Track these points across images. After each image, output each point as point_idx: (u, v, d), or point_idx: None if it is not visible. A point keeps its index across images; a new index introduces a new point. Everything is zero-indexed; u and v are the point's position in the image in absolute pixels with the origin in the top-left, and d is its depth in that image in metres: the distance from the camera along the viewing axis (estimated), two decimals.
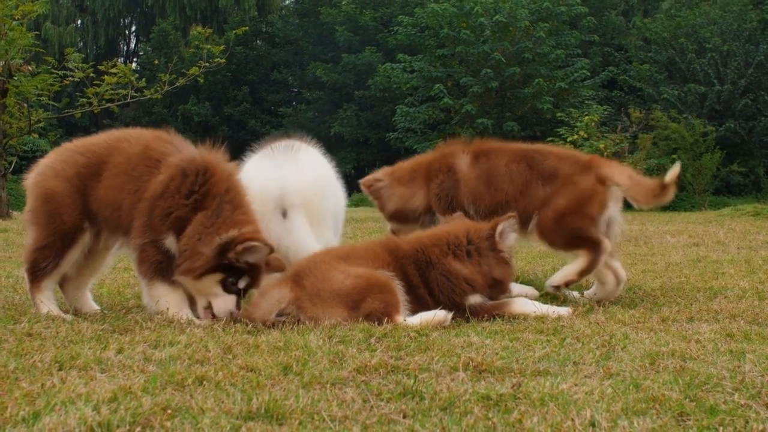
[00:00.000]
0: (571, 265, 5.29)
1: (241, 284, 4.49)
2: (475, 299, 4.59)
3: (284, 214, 4.93)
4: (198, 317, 4.53)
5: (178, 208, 4.47)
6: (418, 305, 4.43)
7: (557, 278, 5.26)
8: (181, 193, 4.49)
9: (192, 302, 4.63)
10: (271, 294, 4.36)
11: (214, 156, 4.70)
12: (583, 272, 5.21)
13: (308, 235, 4.94)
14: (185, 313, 4.50)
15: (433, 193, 5.62)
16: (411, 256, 4.60)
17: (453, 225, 4.88)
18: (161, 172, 4.54)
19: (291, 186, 4.97)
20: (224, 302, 4.47)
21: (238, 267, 4.42)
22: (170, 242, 4.49)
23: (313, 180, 5.12)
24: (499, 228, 4.71)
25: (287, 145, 5.29)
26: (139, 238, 4.51)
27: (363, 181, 6.03)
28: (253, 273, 4.50)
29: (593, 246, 5.19)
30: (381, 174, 5.99)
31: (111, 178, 4.63)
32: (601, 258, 5.19)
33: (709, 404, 2.73)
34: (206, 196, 4.50)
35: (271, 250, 4.43)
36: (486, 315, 4.53)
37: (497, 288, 4.70)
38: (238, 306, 4.48)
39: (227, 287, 4.47)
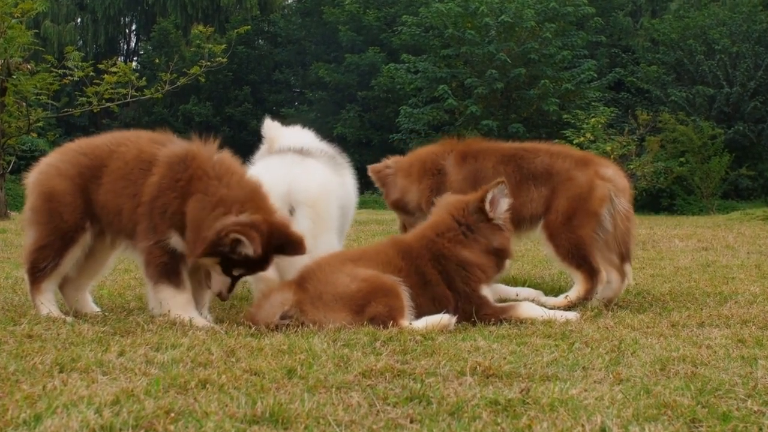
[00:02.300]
0: (567, 293, 5.31)
1: (235, 273, 4.50)
2: (486, 291, 4.57)
3: (291, 212, 4.95)
4: (204, 318, 4.58)
5: (172, 203, 4.48)
6: (435, 305, 4.43)
7: (549, 302, 5.24)
8: (171, 187, 4.50)
9: (198, 303, 4.68)
10: (275, 296, 4.37)
11: (201, 145, 4.70)
12: (576, 300, 5.21)
13: (311, 235, 4.95)
14: (190, 315, 4.49)
15: (424, 194, 5.66)
16: (426, 254, 4.58)
17: (437, 212, 4.84)
18: (153, 172, 4.56)
19: (299, 185, 5.00)
20: (221, 282, 4.57)
21: (234, 258, 4.39)
22: (175, 241, 4.49)
23: (322, 181, 5.13)
24: (489, 196, 4.63)
25: (299, 149, 5.33)
26: (144, 240, 4.53)
27: (373, 168, 6.09)
28: (252, 262, 4.45)
29: (591, 274, 5.22)
30: (391, 161, 6.05)
31: (111, 183, 4.66)
32: (596, 288, 5.23)
33: (722, 411, 2.73)
34: (191, 181, 4.48)
35: (257, 252, 4.31)
36: (493, 319, 4.52)
37: (500, 256, 4.66)
38: (230, 289, 4.59)
39: (224, 270, 4.50)
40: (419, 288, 4.44)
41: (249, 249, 4.32)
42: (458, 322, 4.40)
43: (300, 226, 4.93)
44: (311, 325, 4.20)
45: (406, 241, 4.73)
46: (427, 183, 5.72)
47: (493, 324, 4.49)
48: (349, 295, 4.27)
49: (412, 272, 4.48)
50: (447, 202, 4.86)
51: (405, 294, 4.33)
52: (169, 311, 4.49)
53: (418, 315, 4.35)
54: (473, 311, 4.49)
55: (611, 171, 5.48)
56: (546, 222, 5.38)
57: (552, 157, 5.53)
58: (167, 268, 4.50)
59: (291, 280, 4.50)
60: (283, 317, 4.25)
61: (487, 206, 4.63)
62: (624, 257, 5.43)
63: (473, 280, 4.54)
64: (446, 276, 4.53)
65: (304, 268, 4.51)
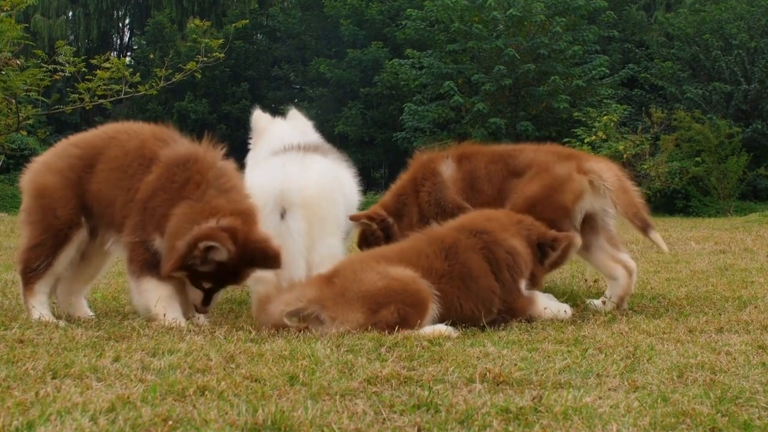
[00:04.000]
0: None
1: (206, 286, 4.52)
2: (522, 286, 4.76)
3: (282, 215, 4.92)
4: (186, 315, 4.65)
5: (162, 205, 4.52)
6: (480, 307, 4.56)
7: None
8: (165, 188, 4.55)
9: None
10: (295, 290, 4.39)
11: (202, 147, 4.76)
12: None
13: (303, 239, 4.92)
14: (172, 312, 4.55)
15: (423, 201, 5.66)
16: (477, 243, 4.68)
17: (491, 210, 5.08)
18: (152, 171, 4.61)
19: (292, 185, 4.95)
20: (193, 295, 4.59)
21: (202, 271, 4.44)
22: (159, 243, 4.53)
23: (318, 181, 5.08)
24: (564, 244, 4.94)
25: (300, 147, 5.29)
26: (130, 236, 4.58)
27: (371, 219, 5.67)
28: (222, 274, 4.48)
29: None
30: (379, 211, 5.77)
31: (106, 172, 4.69)
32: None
33: (743, 419, 2.73)
34: (187, 184, 4.53)
35: (231, 252, 4.36)
36: (522, 312, 4.70)
37: (533, 281, 4.93)
38: (205, 303, 4.56)
39: (193, 282, 4.53)
40: (463, 291, 4.55)
41: (223, 254, 4.35)
42: (502, 318, 4.60)
43: (292, 229, 4.90)
44: (329, 321, 4.24)
45: (450, 236, 4.77)
46: (424, 190, 5.70)
47: (503, 329, 4.52)
48: (372, 293, 4.30)
49: (456, 275, 4.56)
50: (506, 210, 5.14)
51: (431, 311, 4.39)
52: (152, 304, 4.55)
53: (461, 320, 4.52)
54: (510, 302, 4.69)
55: (593, 163, 5.48)
56: (510, 205, 5.38)
57: (536, 153, 5.62)
58: (150, 263, 4.56)
59: (321, 275, 4.53)
60: (295, 314, 4.26)
61: (557, 252, 4.93)
62: (644, 228, 5.33)
63: (516, 272, 4.72)
64: (495, 264, 4.67)
65: (339, 264, 4.58)
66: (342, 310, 4.25)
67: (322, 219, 5.04)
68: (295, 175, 5.01)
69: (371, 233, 5.65)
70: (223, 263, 4.40)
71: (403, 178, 5.91)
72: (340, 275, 4.40)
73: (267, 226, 4.82)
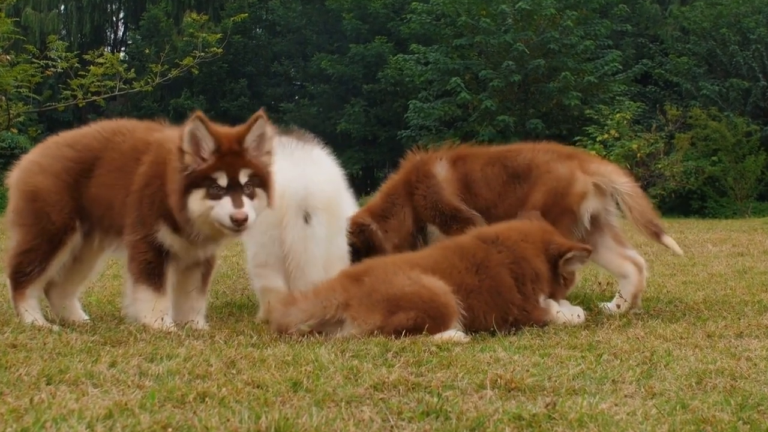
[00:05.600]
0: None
1: (222, 182, 4.38)
2: (542, 298, 4.88)
3: (306, 219, 4.85)
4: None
5: (159, 191, 4.52)
6: (502, 319, 4.62)
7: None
8: (156, 173, 4.55)
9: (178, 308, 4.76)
10: (319, 296, 4.38)
11: None
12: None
13: (326, 244, 4.88)
14: (166, 322, 4.54)
15: (418, 204, 5.67)
16: (508, 257, 4.79)
17: (530, 223, 5.11)
18: (143, 161, 4.63)
19: (315, 186, 4.88)
20: (221, 208, 4.37)
21: (204, 172, 4.36)
22: (163, 234, 4.52)
23: (333, 180, 5.05)
24: (569, 255, 4.98)
25: (299, 141, 5.24)
26: (132, 234, 4.59)
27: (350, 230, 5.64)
28: (228, 163, 4.40)
29: None
30: (363, 216, 5.76)
31: (104, 175, 4.69)
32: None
33: (765, 427, 2.73)
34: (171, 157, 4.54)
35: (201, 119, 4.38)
36: (539, 321, 4.76)
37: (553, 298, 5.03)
38: (236, 203, 4.35)
39: (213, 195, 4.39)
40: (490, 305, 4.64)
41: (198, 126, 4.34)
42: (520, 324, 4.67)
43: (318, 234, 4.84)
44: (351, 321, 4.26)
45: (481, 249, 4.83)
46: (419, 194, 5.71)
47: (513, 333, 4.54)
48: (398, 297, 4.32)
49: (485, 289, 4.65)
50: (543, 224, 5.15)
51: (452, 326, 4.41)
52: (141, 315, 4.55)
53: (482, 329, 4.58)
54: (529, 311, 4.79)
55: (599, 165, 5.55)
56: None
57: (534, 152, 5.65)
58: (150, 267, 4.56)
59: (348, 273, 4.54)
60: (322, 323, 4.31)
61: (562, 262, 4.99)
62: (658, 234, 5.43)
63: (539, 288, 4.84)
64: (521, 279, 4.77)
65: (370, 262, 4.61)
66: (364, 311, 4.27)
67: (337, 219, 5.03)
68: (314, 177, 4.94)
69: (351, 245, 5.60)
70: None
71: (394, 179, 5.94)
72: (371, 275, 4.43)
73: (290, 232, 4.77)
